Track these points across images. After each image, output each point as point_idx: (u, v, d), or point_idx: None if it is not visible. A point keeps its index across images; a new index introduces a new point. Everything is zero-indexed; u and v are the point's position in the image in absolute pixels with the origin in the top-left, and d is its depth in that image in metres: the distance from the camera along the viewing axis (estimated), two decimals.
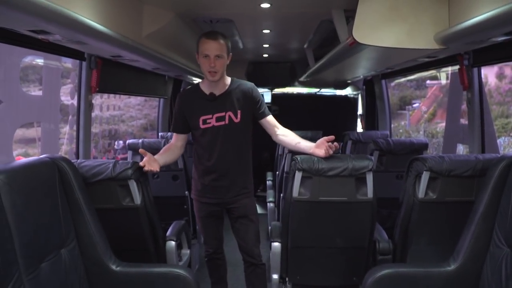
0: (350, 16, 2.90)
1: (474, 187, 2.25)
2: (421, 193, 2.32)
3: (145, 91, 4.51)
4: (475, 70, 2.90)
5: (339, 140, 4.06)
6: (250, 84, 2.53)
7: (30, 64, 4.45)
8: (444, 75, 6.87)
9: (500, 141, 5.39)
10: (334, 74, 5.02)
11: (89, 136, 3.00)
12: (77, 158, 2.92)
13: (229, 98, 2.47)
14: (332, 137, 2.38)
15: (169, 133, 4.50)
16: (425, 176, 2.30)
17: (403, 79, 7.12)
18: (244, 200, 2.55)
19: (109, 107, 6.24)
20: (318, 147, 2.38)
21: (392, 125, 5.45)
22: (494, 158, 2.09)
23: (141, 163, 2.33)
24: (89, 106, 2.96)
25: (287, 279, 2.57)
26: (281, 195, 3.75)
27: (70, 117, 4.77)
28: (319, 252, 2.49)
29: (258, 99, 2.51)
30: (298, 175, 2.36)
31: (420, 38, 2.28)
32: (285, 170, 3.72)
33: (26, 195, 1.66)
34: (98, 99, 5.39)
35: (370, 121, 5.66)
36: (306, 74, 5.49)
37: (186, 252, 2.87)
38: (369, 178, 2.34)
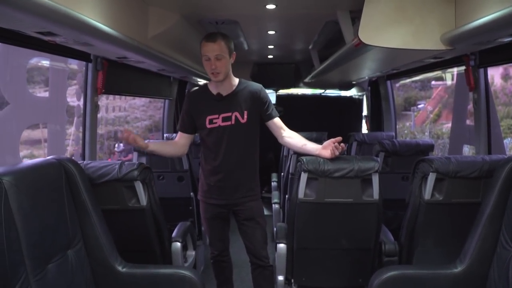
0: (355, 17, 2.89)
1: (481, 189, 2.24)
2: (427, 194, 2.31)
3: (151, 92, 4.52)
4: (481, 71, 2.88)
5: (344, 141, 4.06)
6: (258, 85, 2.54)
7: (36, 65, 4.48)
8: (450, 75, 6.85)
9: (506, 142, 5.37)
10: (339, 75, 5.01)
11: (95, 137, 3.01)
12: (83, 159, 2.93)
13: (236, 99, 2.47)
14: (339, 138, 2.37)
15: (174, 134, 4.51)
16: (431, 178, 2.29)
17: (408, 80, 7.10)
18: (251, 202, 2.54)
19: (114, 108, 6.27)
20: (324, 148, 2.38)
21: (397, 126, 5.44)
22: (501, 159, 2.08)
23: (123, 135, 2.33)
24: (95, 108, 2.97)
25: (292, 280, 2.57)
26: (286, 196, 3.74)
27: (75, 118, 4.79)
28: (325, 254, 2.49)
29: (266, 100, 2.51)
30: (304, 177, 2.35)
31: (426, 39, 2.27)
32: (290, 171, 3.72)
33: (33, 196, 1.67)
34: (103, 100, 5.41)
35: (375, 122, 5.64)
36: (311, 75, 5.49)
37: (191, 253, 2.87)
38: (375, 179, 2.33)
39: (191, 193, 3.61)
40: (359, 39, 2.34)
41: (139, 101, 7.03)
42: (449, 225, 2.36)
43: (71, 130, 4.93)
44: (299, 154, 2.54)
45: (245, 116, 2.46)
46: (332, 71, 4.39)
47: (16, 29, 1.93)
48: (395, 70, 4.12)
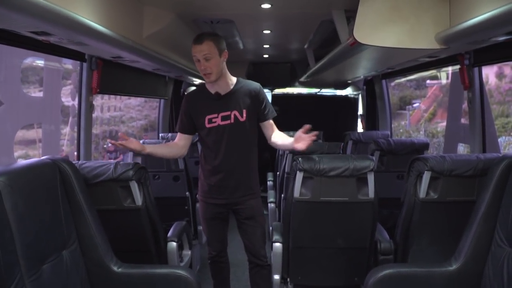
0: (350, 16, 2.90)
1: (476, 187, 2.25)
2: (422, 193, 2.32)
3: (146, 92, 4.51)
4: (476, 69, 2.90)
5: (340, 140, 4.06)
6: (257, 84, 2.54)
7: (30, 65, 4.46)
8: (444, 74, 6.86)
9: (500, 140, 5.39)
10: (334, 74, 5.01)
11: (90, 137, 3.00)
12: (78, 159, 2.92)
13: (234, 97, 2.47)
14: (308, 126, 2.37)
15: (169, 134, 4.51)
16: (426, 176, 2.30)
17: (403, 79, 7.12)
18: (251, 201, 2.55)
19: (109, 108, 6.25)
20: (296, 142, 2.38)
21: (392, 125, 5.45)
22: (495, 158, 2.09)
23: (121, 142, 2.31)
24: (90, 107, 2.96)
25: (288, 279, 2.57)
26: (282, 195, 3.74)
27: (70, 118, 4.77)
28: (321, 253, 2.49)
29: (263, 99, 2.51)
30: (300, 176, 2.36)
31: (421, 38, 2.28)
32: (286, 170, 3.72)
33: (28, 196, 1.66)
34: (98, 100, 5.39)
35: (371, 121, 5.66)
36: (306, 75, 5.49)
37: (187, 253, 2.87)
38: (370, 178, 2.34)
39: (187, 193, 3.61)
40: (354, 38, 2.34)
41: (134, 101, 7.00)
42: (444, 224, 2.37)
43: (66, 130, 4.91)
44: (295, 153, 2.55)
45: (244, 115, 2.46)
46: (327, 70, 4.39)
47: (10, 29, 1.92)
48: (390, 69, 4.13)
